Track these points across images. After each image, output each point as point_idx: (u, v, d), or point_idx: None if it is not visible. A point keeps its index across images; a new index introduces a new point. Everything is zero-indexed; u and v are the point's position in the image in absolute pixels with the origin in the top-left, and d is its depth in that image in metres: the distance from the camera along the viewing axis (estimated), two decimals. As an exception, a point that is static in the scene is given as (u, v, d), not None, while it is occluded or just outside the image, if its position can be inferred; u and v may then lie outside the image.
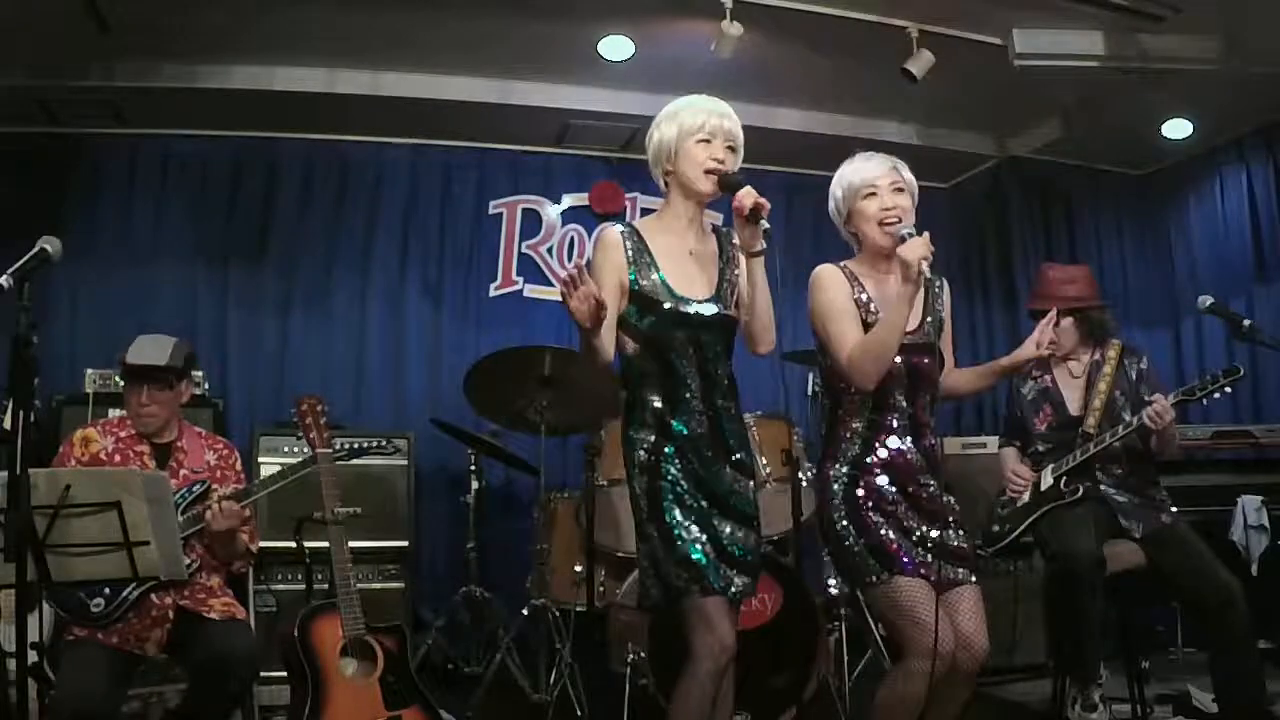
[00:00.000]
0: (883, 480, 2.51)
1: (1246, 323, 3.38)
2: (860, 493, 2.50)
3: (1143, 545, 3.31)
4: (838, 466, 2.54)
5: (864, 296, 2.57)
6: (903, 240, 2.45)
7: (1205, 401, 3.30)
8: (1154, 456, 3.42)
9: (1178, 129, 5.23)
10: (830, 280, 2.58)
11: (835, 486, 2.53)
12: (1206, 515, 4.09)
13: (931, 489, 2.54)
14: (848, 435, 2.55)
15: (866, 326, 2.53)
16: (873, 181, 2.57)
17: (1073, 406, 3.52)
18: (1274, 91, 4.65)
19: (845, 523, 2.50)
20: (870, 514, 2.48)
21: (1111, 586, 3.34)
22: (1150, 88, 4.65)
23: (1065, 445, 3.46)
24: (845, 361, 2.49)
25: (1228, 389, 3.23)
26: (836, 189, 2.64)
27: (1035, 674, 4.24)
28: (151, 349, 3.01)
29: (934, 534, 2.49)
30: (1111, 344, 3.56)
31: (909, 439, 2.54)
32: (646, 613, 3.32)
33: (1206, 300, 3.48)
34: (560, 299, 2.34)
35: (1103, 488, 3.39)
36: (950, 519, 2.53)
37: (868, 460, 2.52)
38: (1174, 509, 3.40)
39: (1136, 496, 3.38)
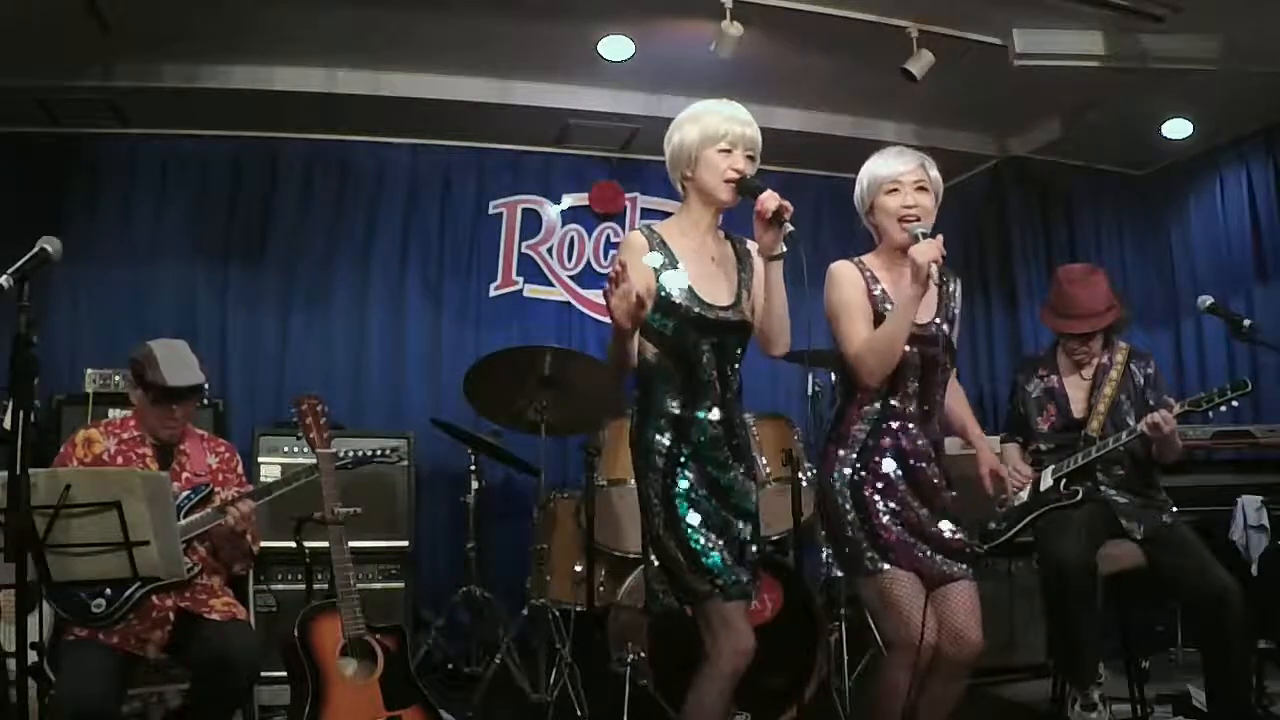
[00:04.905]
0: (889, 465, 2.55)
1: (1246, 323, 3.39)
2: (867, 475, 2.54)
3: (1143, 546, 3.31)
4: (846, 450, 2.58)
5: (879, 290, 2.62)
6: (916, 240, 2.49)
7: (1211, 414, 3.30)
8: (1155, 461, 3.42)
9: (1178, 129, 5.22)
10: (843, 277, 2.63)
11: (842, 469, 2.57)
12: (1206, 515, 4.09)
13: (936, 480, 2.59)
14: (858, 419, 2.59)
15: (880, 319, 2.57)
16: (897, 177, 2.61)
17: (1077, 408, 3.51)
18: (1274, 91, 4.65)
19: (848, 506, 2.54)
20: (874, 500, 2.53)
21: (1111, 586, 3.35)
22: (1150, 88, 4.65)
23: (1067, 446, 3.46)
24: (852, 358, 2.55)
25: (1234, 403, 3.22)
26: (862, 180, 2.69)
27: (1035, 674, 4.24)
28: (184, 368, 3.01)
29: (935, 524, 2.54)
30: (1119, 347, 3.55)
31: (918, 427, 2.59)
32: (657, 615, 3.33)
33: (1206, 300, 3.48)
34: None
35: (1103, 489, 3.38)
36: (951, 512, 2.58)
37: (877, 444, 2.56)
38: (1174, 509, 3.40)
39: (1138, 497, 3.38)
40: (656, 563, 2.49)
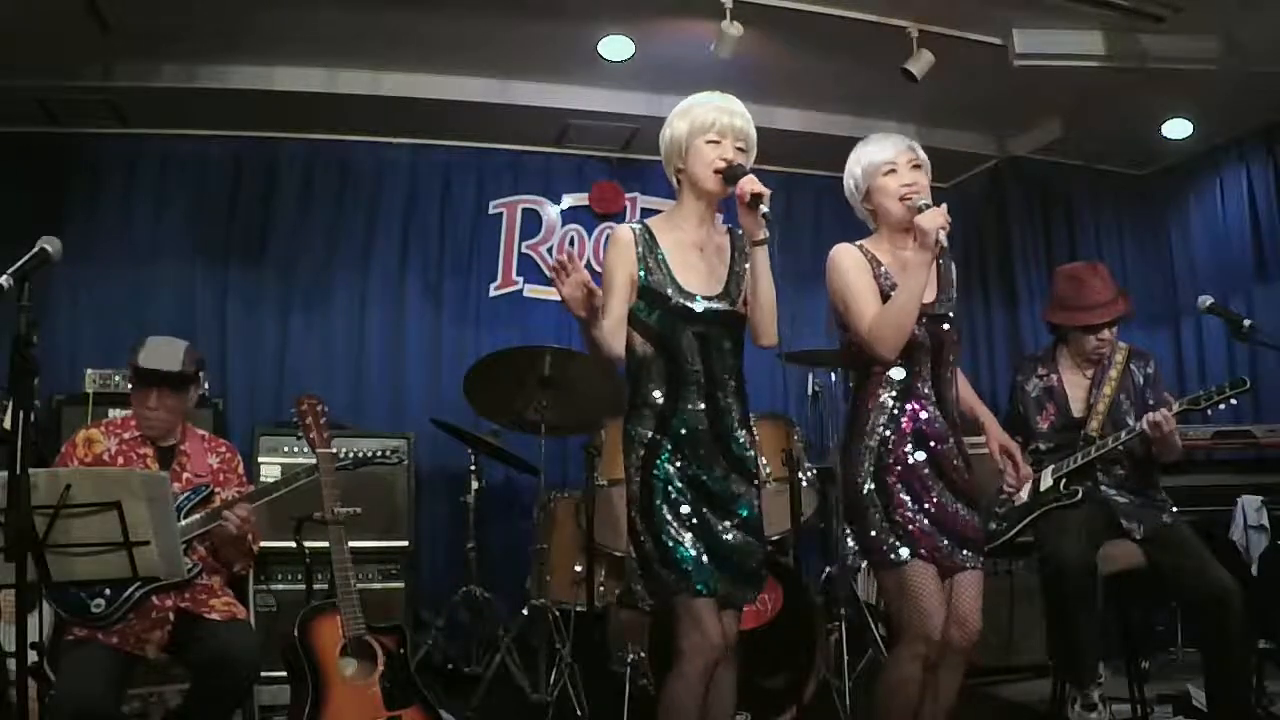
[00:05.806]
0: (910, 449, 2.55)
1: (1246, 323, 3.38)
2: (890, 464, 2.54)
3: (1142, 545, 3.31)
4: (867, 440, 2.57)
5: (883, 273, 2.62)
6: (920, 211, 2.52)
7: (1210, 412, 3.30)
8: (1156, 460, 3.42)
9: (1178, 129, 5.23)
10: (847, 258, 2.64)
11: (865, 459, 2.56)
12: (1206, 515, 4.09)
13: (957, 461, 2.60)
14: (875, 408, 2.59)
15: (885, 300, 2.57)
16: (893, 159, 2.64)
17: (1076, 408, 3.50)
18: (1274, 91, 4.65)
19: (871, 496, 2.54)
20: (897, 490, 2.53)
21: (1111, 586, 3.35)
22: (1150, 88, 4.65)
23: (1067, 446, 3.46)
24: (866, 333, 2.54)
25: (1233, 400, 3.23)
26: (855, 167, 2.71)
27: (1035, 674, 4.24)
28: (164, 354, 3.00)
29: (954, 510, 2.55)
30: (1119, 346, 3.55)
31: (935, 409, 2.59)
32: (632, 609, 3.32)
33: (1206, 300, 3.48)
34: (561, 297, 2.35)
35: (1103, 488, 3.38)
36: (971, 496, 2.59)
37: (897, 430, 2.56)
38: (1174, 509, 3.40)
39: (1137, 497, 3.38)
40: (634, 555, 2.48)
